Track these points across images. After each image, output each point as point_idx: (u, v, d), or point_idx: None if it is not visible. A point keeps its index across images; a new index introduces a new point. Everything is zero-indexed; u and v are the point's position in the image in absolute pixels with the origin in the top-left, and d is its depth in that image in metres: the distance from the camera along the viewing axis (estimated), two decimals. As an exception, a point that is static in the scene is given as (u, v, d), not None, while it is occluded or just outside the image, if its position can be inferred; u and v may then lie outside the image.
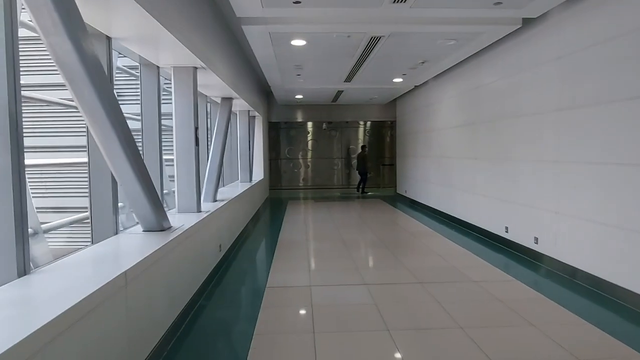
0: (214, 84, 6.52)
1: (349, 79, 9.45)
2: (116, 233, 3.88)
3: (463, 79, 8.62)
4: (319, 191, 17.32)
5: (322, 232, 8.54)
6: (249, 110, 10.24)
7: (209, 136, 7.69)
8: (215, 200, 6.42)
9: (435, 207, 10.36)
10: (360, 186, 15.98)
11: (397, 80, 9.76)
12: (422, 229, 8.68)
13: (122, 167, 3.25)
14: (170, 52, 4.64)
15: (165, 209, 5.27)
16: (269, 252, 6.82)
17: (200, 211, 5.20)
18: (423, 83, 10.78)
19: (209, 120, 8.09)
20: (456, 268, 5.63)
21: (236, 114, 10.36)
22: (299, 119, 14.71)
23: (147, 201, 3.56)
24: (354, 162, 17.00)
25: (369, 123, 18.42)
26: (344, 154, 18.45)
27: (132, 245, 3.56)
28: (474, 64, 8.02)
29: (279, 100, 13.30)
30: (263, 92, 12.89)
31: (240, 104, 9.21)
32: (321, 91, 11.36)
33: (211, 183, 6.44)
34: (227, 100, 7.72)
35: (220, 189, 8.18)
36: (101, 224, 3.82)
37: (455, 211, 9.02)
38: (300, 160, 18.31)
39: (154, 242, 3.47)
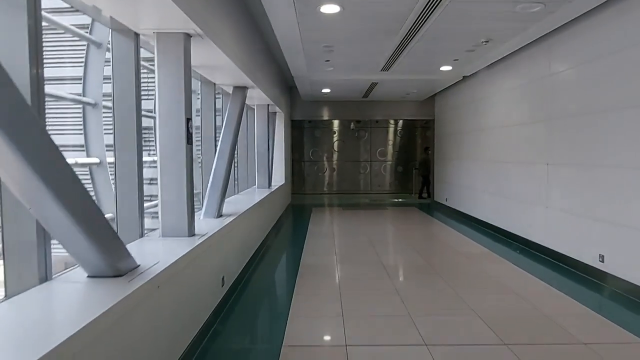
0: (220, 65, 5.09)
1: (387, 67, 7.91)
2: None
3: (526, 67, 7.00)
4: (346, 197, 15.81)
5: (354, 251, 7.02)
6: (268, 105, 8.81)
7: (217, 136, 6.28)
8: (220, 216, 4.97)
9: (485, 220, 8.73)
10: (424, 190, 14.40)
11: (446, 68, 8.18)
12: (476, 248, 7.08)
13: (26, 180, 1.82)
14: (152, 10, 3.22)
15: (148, 230, 3.90)
16: (288, 285, 5.31)
17: (193, 234, 3.75)
18: (472, 74, 9.16)
19: (219, 118, 6.68)
20: (548, 317, 4.03)
21: (253, 109, 8.94)
22: (325, 117, 13.24)
23: (83, 233, 2.12)
24: (416, 165, 15.42)
25: (400, 122, 16.85)
26: (373, 156, 16.92)
27: (64, 304, 2.13)
28: (542, 47, 6.41)
29: (303, 95, 11.84)
30: (285, 85, 11.45)
31: (257, 96, 7.79)
32: (352, 83, 9.84)
33: (215, 193, 4.99)
34: (240, 90, 6.30)
35: (230, 199, 6.78)
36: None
37: (515, 227, 7.38)
38: (325, 163, 16.86)
39: (96, 300, 2.03)
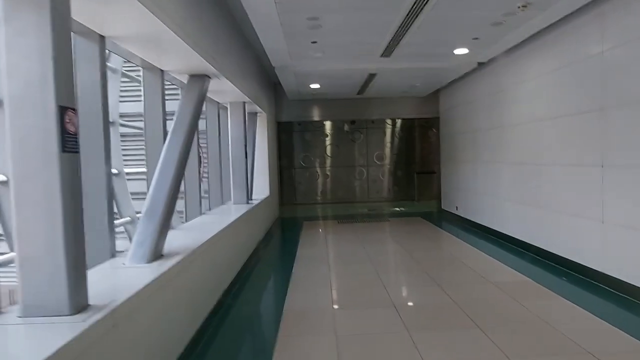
0: (161, 40, 3.56)
1: (389, 50, 6.37)
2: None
3: (566, 46, 5.50)
4: (341, 207, 14.22)
5: (355, 285, 5.44)
6: (244, 103, 7.23)
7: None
8: (158, 257, 3.38)
9: (511, 235, 7.19)
10: None
11: (461, 51, 6.63)
12: (508, 275, 5.52)
13: None
14: None
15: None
16: (266, 349, 3.72)
17: (84, 308, 2.15)
18: (489, 61, 7.64)
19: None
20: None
21: (226, 108, 7.36)
22: (315, 118, 11.67)
23: None
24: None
25: (398, 122, 15.33)
26: (370, 160, 15.37)
27: None
28: (590, 17, 4.91)
29: (289, 93, 10.28)
30: (267, 81, 9.88)
31: (229, 91, 6.23)
32: (346, 76, 8.29)
33: (150, 224, 3.40)
34: (198, 80, 4.74)
35: (188, 224, 5.19)
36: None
37: (556, 246, 5.84)
38: (318, 170, 15.28)
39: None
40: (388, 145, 15.39)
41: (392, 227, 9.62)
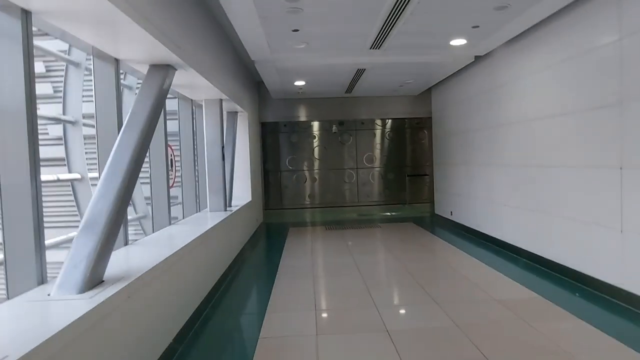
0: (106, 19, 2.91)
1: (379, 41, 5.77)
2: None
3: (575, 34, 4.95)
4: (330, 212, 13.62)
5: (344, 303, 4.82)
6: (221, 100, 6.59)
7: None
8: (97, 283, 2.71)
9: (512, 244, 6.62)
10: None
11: (458, 42, 6.05)
12: (517, 291, 4.93)
13: None
14: None
15: None
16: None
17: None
18: (487, 55, 7.09)
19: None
20: None
21: (201, 106, 6.71)
22: (302, 118, 11.04)
23: None
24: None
25: (389, 123, 14.76)
26: (359, 163, 14.78)
27: None
28: (600, 4, 4.37)
29: (273, 92, 9.65)
30: (249, 80, 9.25)
31: (203, 87, 5.59)
32: (333, 72, 7.68)
33: (88, 242, 2.74)
34: (159, 70, 4.10)
35: (152, 237, 4.53)
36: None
37: (565, 257, 5.27)
38: (305, 173, 14.66)
39: None
40: (378, 147, 14.83)
41: (383, 234, 9.01)
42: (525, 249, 6.24)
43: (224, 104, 6.83)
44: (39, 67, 6.86)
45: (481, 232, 7.84)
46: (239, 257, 6.83)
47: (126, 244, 4.02)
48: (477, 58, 7.19)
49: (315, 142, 14.64)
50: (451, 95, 9.35)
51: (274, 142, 14.40)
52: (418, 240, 8.21)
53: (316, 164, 14.67)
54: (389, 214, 12.71)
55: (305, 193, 14.62)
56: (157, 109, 3.81)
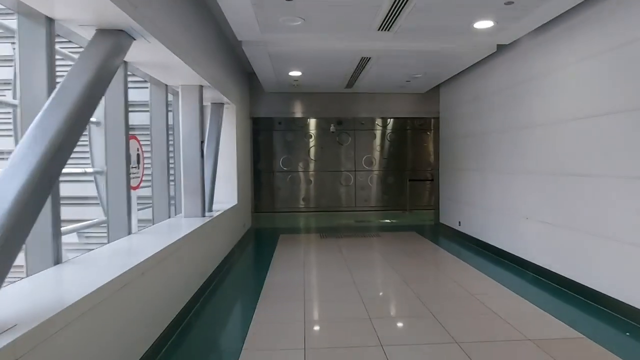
0: None
1: (389, 20, 4.83)
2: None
3: (622, 22, 4.03)
4: (325, 217, 12.67)
5: (341, 337, 3.85)
6: (201, 87, 5.62)
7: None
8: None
9: (536, 263, 5.70)
10: None
11: (483, 24, 5.10)
12: (553, 328, 3.98)
13: None
14: None
15: None
16: None
17: None
18: (511, 45, 6.18)
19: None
20: None
21: (177, 93, 5.74)
22: (297, 115, 10.08)
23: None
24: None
25: (390, 123, 13.85)
26: (358, 165, 13.84)
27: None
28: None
29: (266, 83, 8.69)
30: (239, 69, 8.29)
31: (176, 69, 4.64)
32: (334, 59, 6.73)
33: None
34: (109, 36, 3.14)
35: (97, 253, 3.52)
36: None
37: (607, 284, 4.34)
38: (300, 174, 13.72)
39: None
40: (378, 148, 13.92)
41: (384, 245, 8.07)
42: (556, 271, 5.30)
43: (205, 92, 5.86)
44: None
45: (496, 248, 6.91)
46: (217, 271, 5.86)
47: (57, 262, 3.05)
48: (499, 49, 6.26)
49: (312, 142, 13.71)
50: (463, 93, 8.42)
51: (267, 140, 13.46)
52: (424, 255, 7.27)
53: (312, 165, 13.74)
54: (388, 221, 11.79)
55: (300, 196, 13.68)
56: (98, 86, 2.86)
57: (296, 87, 9.10)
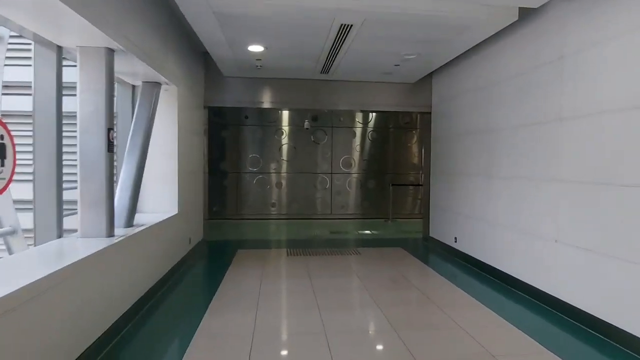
0: None
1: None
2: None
3: None
4: (296, 226, 11.03)
5: None
6: (109, 50, 3.91)
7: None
8: None
9: (570, 303, 4.19)
10: None
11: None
12: None
13: None
14: None
15: None
16: None
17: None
18: (540, 9, 4.67)
19: None
20: None
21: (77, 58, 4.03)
22: (265, 104, 8.37)
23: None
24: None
25: (372, 119, 12.28)
26: (335, 167, 12.23)
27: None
28: None
29: (222, 63, 7.03)
30: (186, 44, 6.58)
31: (60, 15, 2.94)
32: (305, 26, 5.10)
33: None
34: None
35: None
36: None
37: None
38: (270, 176, 12.05)
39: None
40: (358, 148, 12.34)
41: (364, 267, 6.48)
42: (605, 319, 3.78)
43: (120, 60, 4.17)
44: None
45: (509, 276, 5.39)
46: (134, 307, 4.17)
47: None
48: (522, 16, 4.75)
49: (284, 140, 12.07)
50: (464, 80, 6.91)
51: (233, 136, 11.75)
52: (417, 283, 5.69)
53: (284, 166, 12.09)
54: (368, 232, 10.22)
55: (268, 201, 11.99)
56: None
57: (261, 71, 7.45)
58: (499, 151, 5.74)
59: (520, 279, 5.14)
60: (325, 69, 7.29)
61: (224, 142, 11.67)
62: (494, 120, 5.89)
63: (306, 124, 11.76)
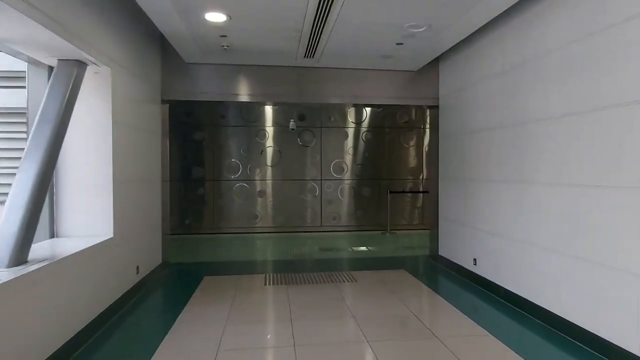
0: None
1: None
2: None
3: None
4: (281, 241, 9.55)
5: None
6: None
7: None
8: None
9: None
10: None
11: None
12: None
13: None
14: None
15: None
16: None
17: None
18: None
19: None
20: None
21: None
22: (242, 97, 6.92)
23: None
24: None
25: (366, 118, 10.87)
26: (325, 173, 10.80)
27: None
28: None
29: (177, 40, 5.59)
30: (134, 20, 5.12)
31: None
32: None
33: None
34: None
35: None
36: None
37: None
38: (253, 184, 10.60)
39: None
40: (351, 151, 10.93)
41: (363, 304, 5.04)
42: None
43: (10, 22, 2.72)
44: None
45: (557, 317, 3.98)
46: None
47: None
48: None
49: (267, 142, 10.64)
50: (483, 64, 5.52)
51: (209, 139, 10.29)
52: (437, 329, 4.23)
53: (268, 172, 10.65)
54: (364, 248, 8.77)
55: (250, 212, 10.52)
56: None
57: (231, 54, 6.02)
58: (533, 151, 4.34)
59: (571, 321, 3.73)
60: (310, 51, 5.89)
61: (197, 145, 10.22)
62: (526, 110, 4.49)
63: (292, 124, 10.34)
